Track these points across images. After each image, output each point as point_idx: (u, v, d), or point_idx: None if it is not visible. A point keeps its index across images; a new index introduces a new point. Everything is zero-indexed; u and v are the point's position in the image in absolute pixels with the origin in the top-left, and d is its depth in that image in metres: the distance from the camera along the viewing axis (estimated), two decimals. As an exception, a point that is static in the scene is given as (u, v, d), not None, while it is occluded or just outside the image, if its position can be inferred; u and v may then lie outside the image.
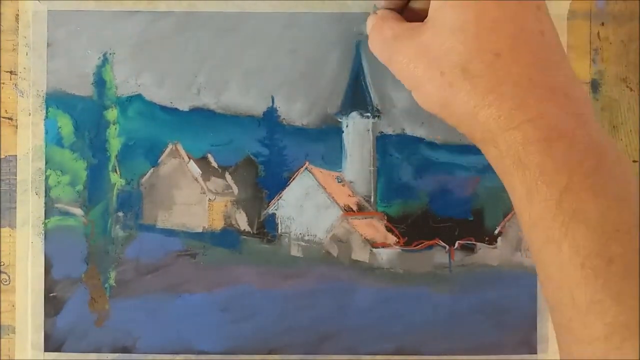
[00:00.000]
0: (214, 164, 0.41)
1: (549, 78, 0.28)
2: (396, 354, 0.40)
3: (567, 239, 0.26)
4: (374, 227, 0.40)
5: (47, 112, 0.40)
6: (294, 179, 0.41)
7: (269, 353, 0.40)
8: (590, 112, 0.29)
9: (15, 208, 0.40)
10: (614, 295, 0.25)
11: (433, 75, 0.30)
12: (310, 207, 0.41)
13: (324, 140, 0.41)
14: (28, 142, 0.40)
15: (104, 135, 0.40)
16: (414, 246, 0.40)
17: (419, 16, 0.33)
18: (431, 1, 0.31)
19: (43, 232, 0.40)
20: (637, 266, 0.25)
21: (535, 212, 0.27)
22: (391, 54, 0.32)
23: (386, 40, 0.33)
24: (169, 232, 0.40)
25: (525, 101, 0.27)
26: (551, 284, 0.27)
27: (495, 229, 0.40)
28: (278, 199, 0.41)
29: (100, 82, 0.40)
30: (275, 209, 0.41)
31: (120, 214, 0.40)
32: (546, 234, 0.27)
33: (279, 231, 0.41)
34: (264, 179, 0.41)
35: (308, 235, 0.41)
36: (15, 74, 0.40)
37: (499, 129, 0.28)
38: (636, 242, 0.25)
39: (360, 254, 0.41)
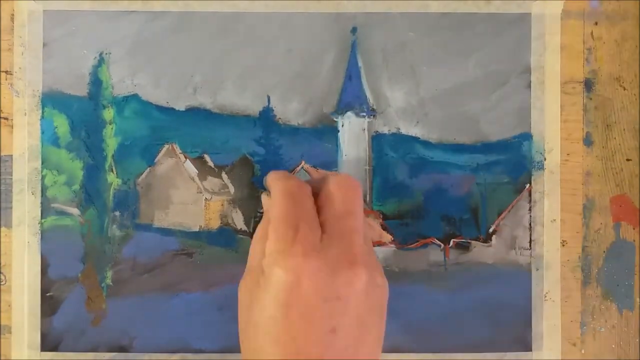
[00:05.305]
0: (210, 164, 0.41)
1: None
2: (392, 352, 0.40)
3: None
4: (369, 226, 0.41)
5: (43, 112, 0.40)
6: (290, 178, 0.41)
7: (266, 351, 0.40)
8: None
9: (11, 208, 0.40)
10: None
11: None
12: (306, 206, 0.41)
13: (320, 140, 0.41)
14: (24, 142, 0.40)
15: (100, 135, 0.40)
16: (409, 244, 0.41)
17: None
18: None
19: (39, 231, 0.40)
20: None
21: None
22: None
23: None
24: (166, 232, 0.41)
25: None
26: None
27: (490, 227, 0.41)
28: (274, 198, 0.41)
29: (96, 82, 0.40)
30: (272, 208, 0.41)
31: (117, 213, 0.40)
32: None
33: (275, 230, 0.41)
34: (260, 179, 0.41)
35: (304, 234, 0.41)
36: (11, 74, 0.40)
37: None
38: None
39: (356, 253, 0.41)
